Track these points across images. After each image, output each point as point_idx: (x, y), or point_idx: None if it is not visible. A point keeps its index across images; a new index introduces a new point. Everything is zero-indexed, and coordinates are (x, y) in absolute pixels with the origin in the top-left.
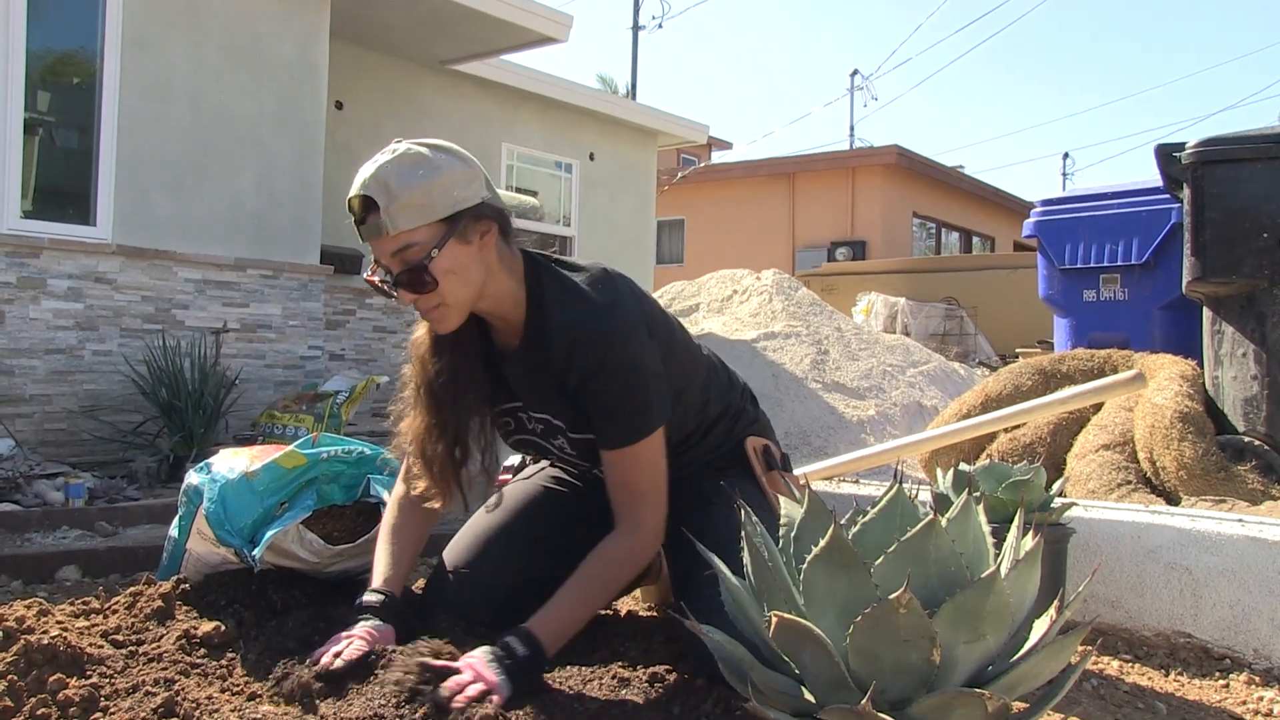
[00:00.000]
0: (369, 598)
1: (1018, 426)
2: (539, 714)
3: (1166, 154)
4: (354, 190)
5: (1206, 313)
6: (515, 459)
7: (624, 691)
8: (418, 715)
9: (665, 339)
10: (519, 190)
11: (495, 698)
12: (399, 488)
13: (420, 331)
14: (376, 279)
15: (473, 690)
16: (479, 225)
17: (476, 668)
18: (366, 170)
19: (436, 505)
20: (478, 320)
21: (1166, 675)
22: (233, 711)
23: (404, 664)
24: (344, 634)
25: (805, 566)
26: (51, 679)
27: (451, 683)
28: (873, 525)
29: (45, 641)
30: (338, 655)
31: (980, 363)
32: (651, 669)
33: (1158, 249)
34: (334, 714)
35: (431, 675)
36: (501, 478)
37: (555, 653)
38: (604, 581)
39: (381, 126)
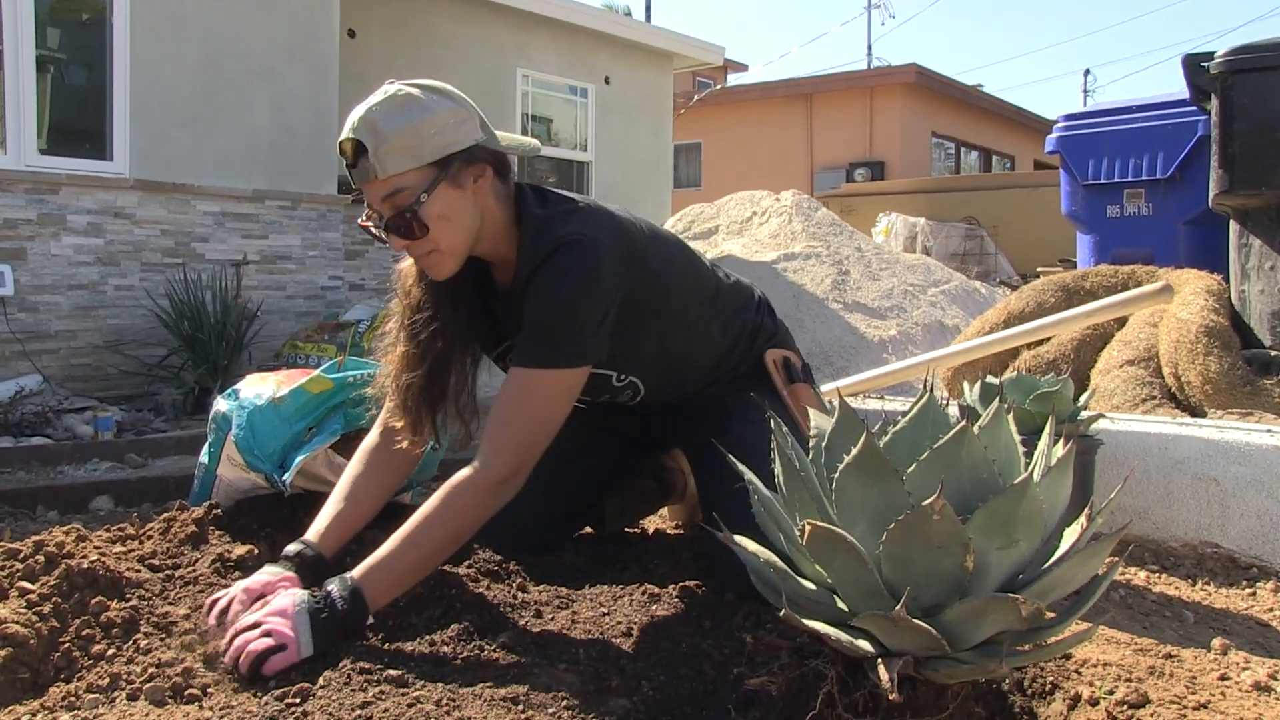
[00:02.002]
0: (291, 547)
1: (1041, 342)
2: (572, 630)
3: (1194, 64)
4: (343, 134)
5: (1233, 226)
6: None
7: (654, 607)
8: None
9: (656, 268)
10: (535, 118)
11: (282, 657)
12: (371, 436)
13: (407, 262)
14: (370, 224)
15: (255, 650)
16: (472, 169)
17: (282, 618)
18: (356, 113)
19: (406, 446)
20: (477, 261)
21: (1194, 585)
22: None
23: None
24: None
25: (838, 475)
26: (93, 601)
27: (242, 639)
28: (904, 434)
29: (85, 566)
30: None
31: (1001, 282)
32: (681, 584)
33: (1183, 162)
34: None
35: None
36: None
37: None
38: (437, 527)
39: (395, 54)
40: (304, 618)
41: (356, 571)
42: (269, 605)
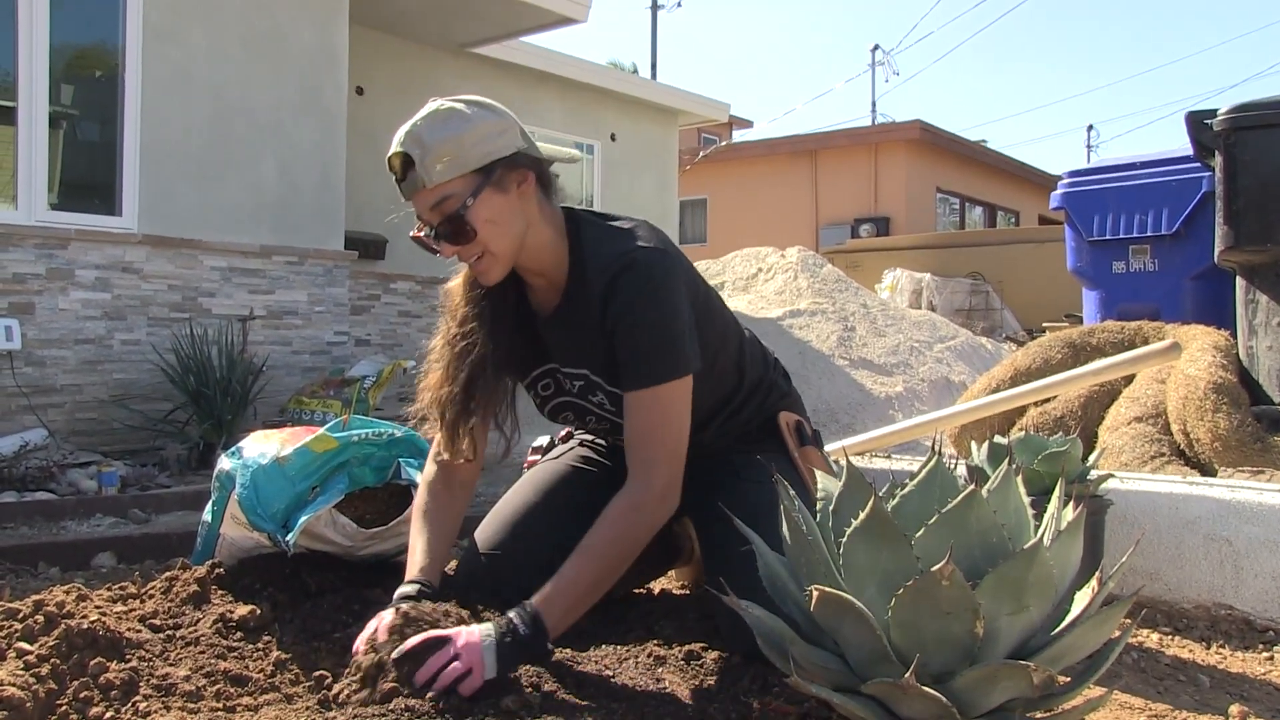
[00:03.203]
0: (404, 589)
1: (1048, 400)
2: (578, 692)
3: (1197, 121)
4: (391, 149)
5: (1240, 282)
6: (543, 440)
7: (660, 670)
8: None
9: (704, 299)
10: None
11: (469, 681)
12: (429, 468)
13: (453, 282)
14: (422, 234)
15: (449, 674)
16: (514, 175)
17: (469, 647)
18: (402, 129)
19: (458, 468)
20: (516, 282)
21: (1208, 648)
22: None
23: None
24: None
25: (845, 539)
26: (92, 662)
27: (432, 661)
28: (912, 497)
29: (85, 626)
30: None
31: (1007, 337)
32: (687, 646)
33: (1188, 218)
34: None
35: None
36: (530, 459)
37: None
38: (608, 546)
39: (402, 111)
40: (491, 646)
41: (536, 598)
42: (461, 639)
